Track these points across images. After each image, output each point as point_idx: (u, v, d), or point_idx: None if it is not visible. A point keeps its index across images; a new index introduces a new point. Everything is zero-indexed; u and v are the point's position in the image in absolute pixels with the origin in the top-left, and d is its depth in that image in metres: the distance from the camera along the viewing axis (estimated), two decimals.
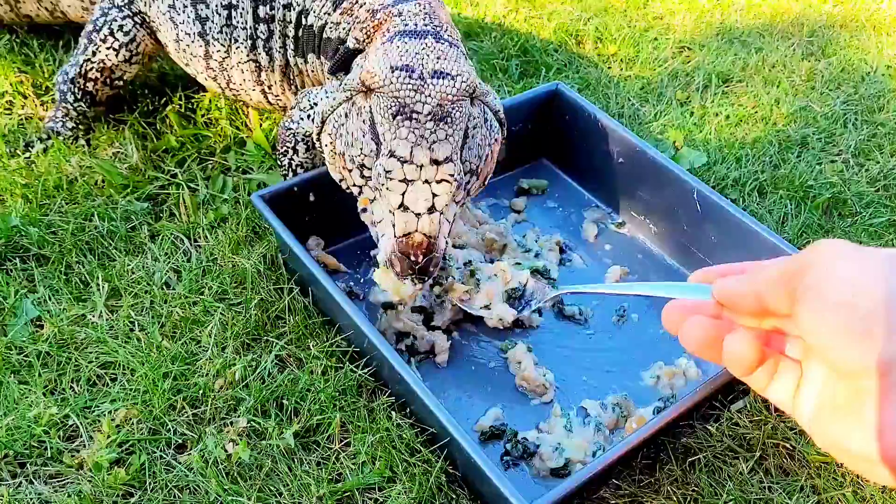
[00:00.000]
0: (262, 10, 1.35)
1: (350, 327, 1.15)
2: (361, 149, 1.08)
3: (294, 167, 1.39)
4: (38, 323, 1.20)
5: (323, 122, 1.16)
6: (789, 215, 1.50)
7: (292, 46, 1.36)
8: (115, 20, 1.44)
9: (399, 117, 1.04)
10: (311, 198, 1.31)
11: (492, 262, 1.34)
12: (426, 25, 1.17)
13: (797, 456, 1.11)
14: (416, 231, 1.03)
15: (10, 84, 1.60)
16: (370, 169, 1.07)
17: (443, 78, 1.07)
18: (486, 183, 1.19)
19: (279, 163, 1.40)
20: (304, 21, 1.33)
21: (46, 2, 1.60)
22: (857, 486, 1.08)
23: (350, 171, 1.10)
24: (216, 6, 1.37)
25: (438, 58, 1.10)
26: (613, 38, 1.96)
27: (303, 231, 1.32)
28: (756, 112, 1.77)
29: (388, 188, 1.03)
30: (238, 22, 1.37)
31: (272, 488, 1.02)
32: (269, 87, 1.44)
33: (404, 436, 1.07)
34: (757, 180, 1.57)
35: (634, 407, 1.17)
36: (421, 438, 1.08)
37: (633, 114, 1.74)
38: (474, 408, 1.17)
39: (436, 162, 1.04)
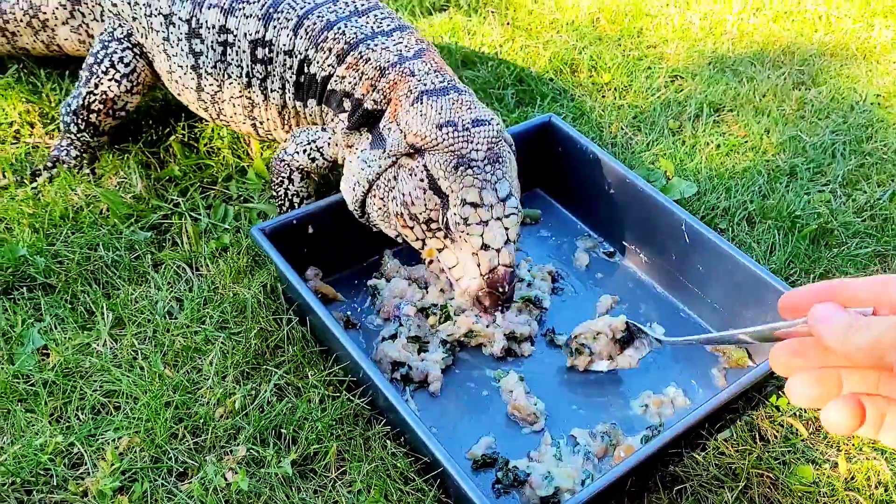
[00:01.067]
0: (261, 52, 1.39)
1: (346, 357, 1.19)
2: (426, 205, 1.18)
3: (290, 196, 1.43)
4: (44, 351, 1.23)
5: (369, 188, 1.26)
6: (777, 245, 1.54)
7: (292, 91, 1.40)
8: (116, 52, 1.49)
9: (461, 168, 1.16)
10: (310, 230, 1.35)
11: None
12: (441, 82, 1.26)
13: (780, 485, 1.14)
14: (499, 265, 1.15)
15: (18, 113, 1.64)
16: (436, 221, 1.19)
17: (483, 125, 1.19)
18: None
19: (274, 192, 1.44)
20: (306, 69, 1.37)
21: (43, 35, 1.64)
22: None
23: (412, 227, 1.21)
24: (211, 42, 1.41)
25: (468, 108, 1.21)
26: (607, 67, 2.00)
27: (302, 261, 1.36)
28: (746, 141, 1.81)
29: (468, 233, 1.15)
30: (233, 59, 1.41)
31: None
32: (261, 123, 1.48)
33: (399, 465, 1.11)
34: (746, 210, 1.61)
35: (623, 435, 1.20)
36: (415, 467, 1.11)
37: (626, 143, 1.78)
38: (467, 436, 1.20)
39: (502, 200, 1.17)
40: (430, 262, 1.23)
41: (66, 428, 1.13)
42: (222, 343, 1.24)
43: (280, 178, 1.41)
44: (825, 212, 1.61)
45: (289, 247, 1.30)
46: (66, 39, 1.63)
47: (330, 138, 1.36)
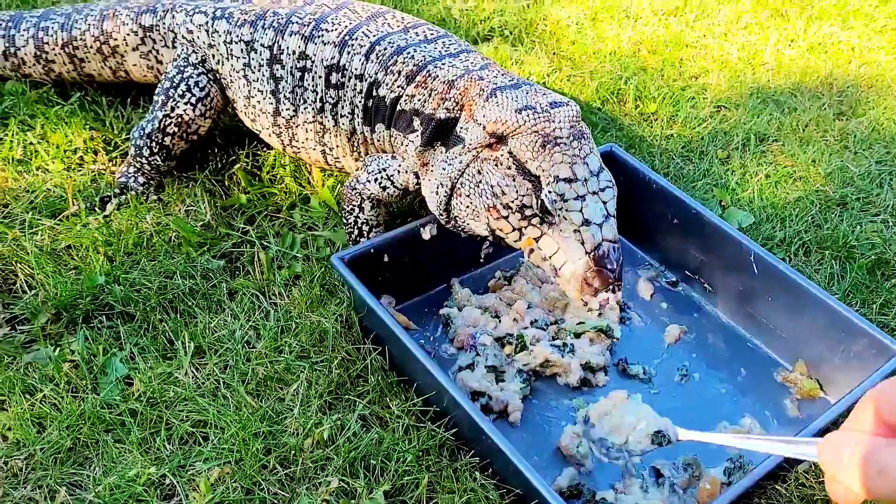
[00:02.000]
0: (335, 77, 1.41)
1: (431, 386, 1.20)
2: (517, 191, 1.16)
3: (360, 224, 1.44)
4: (127, 381, 1.24)
5: (452, 188, 1.24)
6: (835, 275, 1.55)
7: (361, 115, 1.42)
8: (192, 77, 1.51)
9: (548, 146, 1.14)
10: (385, 258, 1.36)
11: (555, 321, 1.39)
12: (512, 80, 1.27)
13: None
14: (603, 240, 1.11)
15: (83, 140, 1.65)
16: (530, 207, 1.15)
17: (561, 105, 1.18)
18: None
19: (345, 220, 1.45)
20: (374, 92, 1.39)
21: (111, 62, 1.67)
22: None
23: (506, 217, 1.18)
24: (291, 67, 1.44)
25: (544, 94, 1.21)
26: (652, 98, 2.03)
27: (375, 290, 1.37)
28: (794, 171, 1.84)
29: (566, 209, 1.12)
30: (309, 84, 1.44)
31: None
32: (331, 150, 1.50)
33: (490, 496, 1.11)
34: (801, 240, 1.63)
35: (704, 467, 1.21)
36: (506, 500, 1.11)
37: (677, 172, 1.80)
38: (549, 467, 1.21)
39: (595, 174, 1.15)
40: (531, 251, 1.18)
41: (155, 458, 1.13)
42: (305, 373, 1.25)
43: (351, 207, 1.43)
44: (879, 242, 1.64)
45: (366, 275, 1.30)
46: (135, 65, 1.65)
47: (400, 166, 1.38)
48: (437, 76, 1.32)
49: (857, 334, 1.26)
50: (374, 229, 1.45)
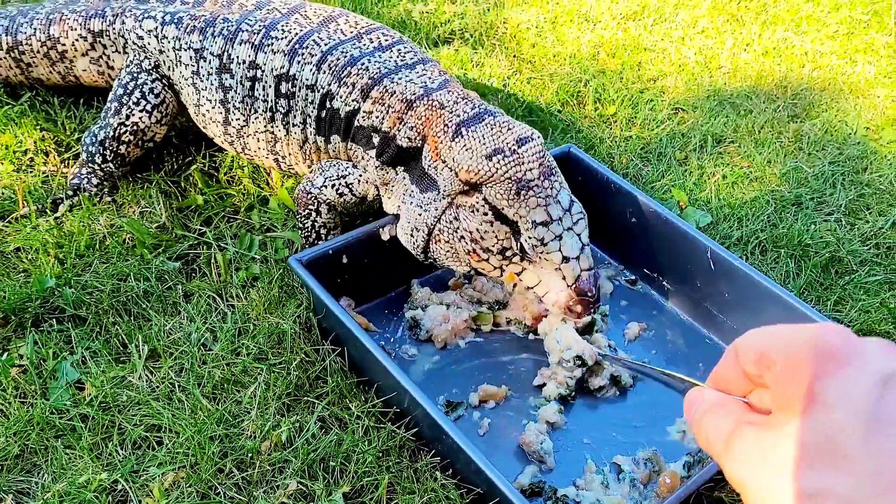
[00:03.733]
0: (284, 87, 1.39)
1: (391, 387, 1.18)
2: (496, 236, 1.20)
3: (317, 228, 1.43)
4: (78, 385, 1.20)
5: (430, 233, 1.27)
6: (791, 273, 1.58)
7: (314, 126, 1.41)
8: (146, 83, 1.48)
9: (522, 192, 1.17)
10: (344, 260, 1.35)
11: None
12: (473, 109, 1.27)
13: None
14: (581, 272, 1.18)
15: (33, 141, 1.61)
16: (510, 249, 1.20)
17: (527, 142, 1.20)
18: None
19: (300, 224, 1.43)
20: (328, 104, 1.37)
21: (60, 66, 1.62)
22: None
23: (486, 259, 1.23)
24: (241, 77, 1.41)
25: (508, 129, 1.22)
26: (612, 100, 2.05)
27: (334, 292, 1.35)
28: (751, 172, 1.87)
29: (547, 251, 1.17)
30: (259, 94, 1.41)
31: None
32: (283, 158, 1.48)
33: (451, 496, 1.10)
34: (758, 239, 1.66)
35: (664, 462, 1.21)
36: (467, 500, 1.10)
37: (636, 173, 1.82)
38: (510, 465, 1.20)
39: (567, 210, 1.19)
40: (514, 285, 1.26)
41: (107, 464, 1.10)
42: (263, 375, 1.23)
43: (307, 211, 1.41)
44: (832, 240, 1.67)
45: (324, 277, 1.29)
46: (85, 70, 1.61)
47: (360, 175, 1.37)
48: (395, 92, 1.31)
49: None
50: (331, 231, 1.44)
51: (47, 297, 1.30)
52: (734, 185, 1.82)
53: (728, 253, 1.38)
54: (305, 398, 1.22)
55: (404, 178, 1.31)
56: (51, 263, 1.35)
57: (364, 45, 1.39)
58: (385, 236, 1.37)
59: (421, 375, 1.33)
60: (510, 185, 1.17)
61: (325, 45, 1.38)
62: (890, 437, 0.41)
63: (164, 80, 1.50)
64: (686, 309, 1.48)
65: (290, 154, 1.46)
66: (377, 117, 1.32)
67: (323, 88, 1.37)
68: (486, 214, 1.19)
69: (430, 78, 1.34)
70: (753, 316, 1.37)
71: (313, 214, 1.41)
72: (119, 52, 1.55)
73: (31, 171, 1.58)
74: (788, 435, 0.45)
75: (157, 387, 1.20)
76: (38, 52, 1.60)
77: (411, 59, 1.38)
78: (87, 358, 1.23)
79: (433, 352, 1.36)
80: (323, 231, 1.44)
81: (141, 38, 1.50)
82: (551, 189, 1.19)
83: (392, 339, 1.38)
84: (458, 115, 1.26)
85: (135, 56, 1.51)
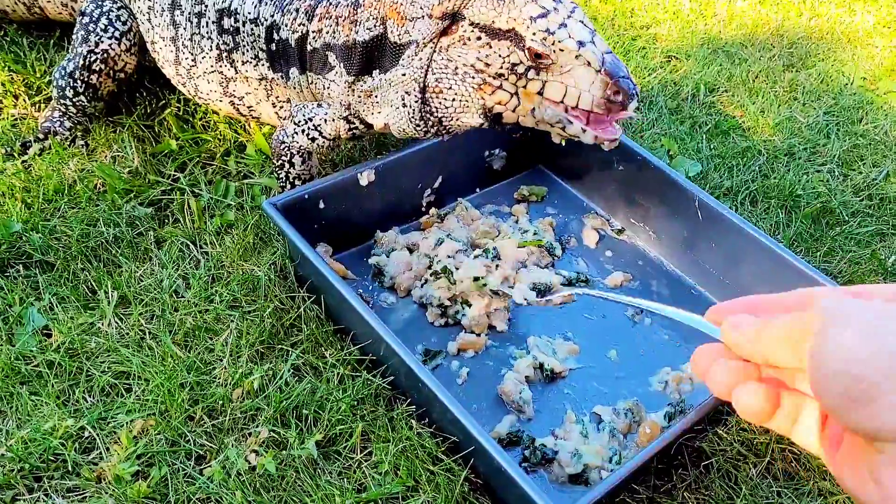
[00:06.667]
0: (227, 22, 1.33)
1: (367, 335, 1.16)
2: (499, 54, 1.08)
3: (292, 179, 1.38)
4: (45, 331, 1.17)
5: (423, 90, 1.16)
6: (781, 224, 1.55)
7: (267, 63, 1.35)
8: (112, 10, 1.42)
9: None
10: (321, 205, 1.31)
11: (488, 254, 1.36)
12: None
13: (803, 460, 1.15)
14: (603, 53, 1.04)
15: (1, 83, 1.56)
16: (520, 63, 1.08)
17: None
18: None
19: (276, 175, 1.39)
20: (276, 36, 1.31)
21: None
22: None
23: (500, 86, 1.10)
24: (189, 14, 1.36)
25: None
26: None
27: (311, 238, 1.31)
28: (743, 121, 1.82)
29: (558, 40, 1.04)
30: (205, 31, 1.36)
31: (296, 499, 1.02)
32: (241, 99, 1.42)
33: (426, 445, 1.08)
34: (748, 189, 1.62)
35: (645, 412, 1.19)
36: (442, 448, 1.08)
37: (626, 121, 1.77)
38: (489, 415, 1.18)
39: (559, 0, 1.08)
40: (533, 110, 1.11)
41: (74, 411, 1.08)
42: (236, 322, 1.20)
43: (281, 162, 1.36)
44: (824, 191, 1.63)
45: (300, 222, 1.25)
46: (49, 2, 1.55)
47: (326, 114, 1.30)
48: (339, 2, 1.25)
49: (800, 280, 1.25)
50: (307, 182, 1.39)
51: (14, 241, 1.26)
52: (726, 135, 1.77)
53: (716, 202, 1.35)
54: (280, 346, 1.19)
55: (382, 78, 1.23)
56: (18, 208, 1.31)
57: None
58: (364, 181, 1.33)
59: (400, 324, 1.30)
60: None
61: None
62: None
63: (127, 11, 1.44)
64: (672, 259, 1.45)
65: (247, 94, 1.40)
66: (328, 33, 1.25)
67: (266, 21, 1.31)
68: (479, 38, 1.10)
69: None
70: (740, 266, 1.34)
71: (286, 165, 1.36)
72: None
73: None
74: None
75: (127, 334, 1.17)
76: None
77: None
78: (55, 304, 1.20)
79: (412, 300, 1.33)
80: (298, 182, 1.39)
81: None
82: None
83: (371, 287, 1.35)
84: None
85: None
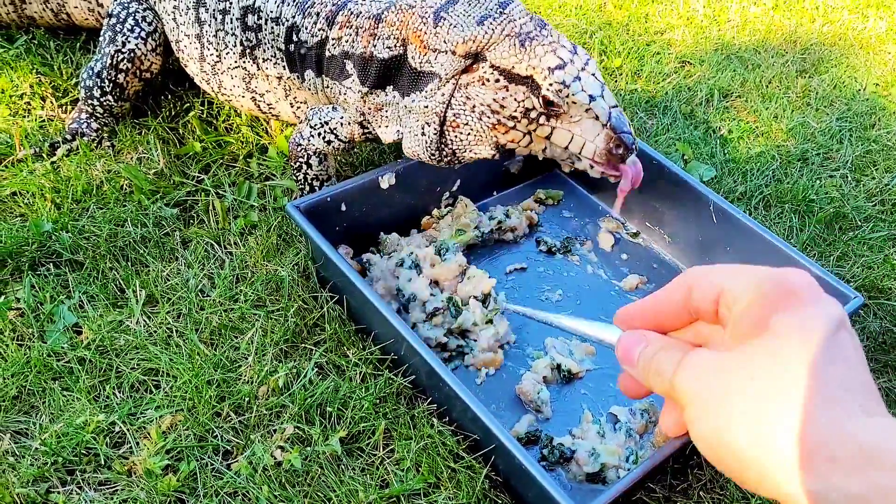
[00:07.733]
0: (251, 19, 1.36)
1: (389, 335, 1.18)
2: (515, 98, 1.15)
3: (310, 180, 1.41)
4: (76, 329, 1.20)
5: (442, 123, 1.21)
6: (794, 228, 1.57)
7: (284, 62, 1.37)
8: (138, 11, 1.46)
9: (526, 43, 1.13)
10: (343, 208, 1.34)
11: None
12: None
13: None
14: (610, 108, 1.12)
15: (30, 85, 1.59)
16: (534, 108, 1.15)
17: (509, 4, 1.17)
18: None
19: (294, 177, 1.42)
20: (295, 37, 1.34)
21: (53, 3, 1.60)
22: None
23: (513, 127, 1.17)
24: (213, 10, 1.39)
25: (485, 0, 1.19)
26: (617, 52, 2.01)
27: (332, 240, 1.34)
28: (757, 127, 1.84)
29: (572, 93, 1.11)
30: (230, 28, 1.39)
31: (321, 494, 1.05)
32: (262, 95, 1.45)
33: (447, 442, 1.10)
34: (762, 194, 1.64)
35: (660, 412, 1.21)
36: (463, 445, 1.11)
37: (640, 126, 1.79)
38: (508, 414, 1.20)
39: (573, 52, 1.15)
40: (543, 150, 1.19)
41: (105, 406, 1.11)
42: (260, 321, 1.22)
43: (298, 164, 1.38)
44: (837, 196, 1.65)
45: (322, 224, 1.28)
46: (76, 7, 1.59)
47: (342, 117, 1.33)
48: (360, 13, 1.28)
49: None
50: (324, 183, 1.42)
51: (44, 241, 1.29)
52: (739, 140, 1.79)
53: (731, 206, 1.37)
54: (303, 345, 1.21)
55: (395, 95, 1.27)
56: (47, 208, 1.34)
57: None
58: (384, 184, 1.36)
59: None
60: (511, 41, 1.14)
61: None
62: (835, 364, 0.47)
63: (153, 12, 1.47)
64: (687, 262, 1.47)
65: (267, 91, 1.43)
66: (347, 41, 1.28)
67: (287, 21, 1.33)
68: (497, 81, 1.15)
69: None
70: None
71: (304, 167, 1.39)
72: None
73: (27, 116, 1.56)
74: (742, 352, 0.50)
75: (155, 331, 1.20)
76: None
77: None
78: (85, 302, 1.23)
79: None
80: (316, 184, 1.41)
81: None
82: (551, 36, 1.15)
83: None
84: (431, 6, 1.22)
85: None
